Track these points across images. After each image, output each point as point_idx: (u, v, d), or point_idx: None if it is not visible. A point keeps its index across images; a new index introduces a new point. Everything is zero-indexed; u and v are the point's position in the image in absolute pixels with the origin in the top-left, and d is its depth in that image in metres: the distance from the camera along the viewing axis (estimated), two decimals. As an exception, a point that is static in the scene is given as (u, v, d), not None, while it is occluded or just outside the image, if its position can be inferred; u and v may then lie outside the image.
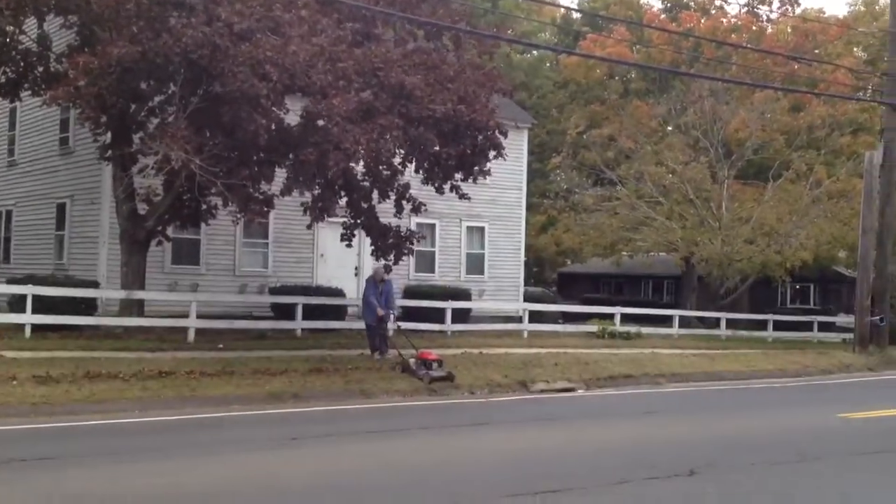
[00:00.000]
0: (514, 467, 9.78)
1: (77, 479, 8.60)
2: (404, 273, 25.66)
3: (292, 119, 17.17)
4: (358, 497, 8.19)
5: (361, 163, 17.36)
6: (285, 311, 22.10)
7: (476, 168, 18.51)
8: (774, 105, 34.35)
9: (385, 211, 19.38)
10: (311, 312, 21.90)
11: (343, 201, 18.60)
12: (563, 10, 49.02)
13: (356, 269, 25.58)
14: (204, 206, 18.98)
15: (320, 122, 16.20)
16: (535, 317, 27.00)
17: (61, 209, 24.17)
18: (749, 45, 35.82)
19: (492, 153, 18.31)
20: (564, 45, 46.14)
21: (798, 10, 40.75)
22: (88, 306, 20.14)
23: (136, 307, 19.69)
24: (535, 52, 49.61)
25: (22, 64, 18.92)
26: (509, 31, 41.91)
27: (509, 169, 27.11)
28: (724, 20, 39.77)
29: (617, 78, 44.62)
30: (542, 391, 17.22)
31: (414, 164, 18.50)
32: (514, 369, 18.19)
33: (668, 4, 44.80)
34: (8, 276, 23.55)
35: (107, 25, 16.92)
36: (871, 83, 36.05)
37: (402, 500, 8.11)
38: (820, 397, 18.59)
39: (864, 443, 12.30)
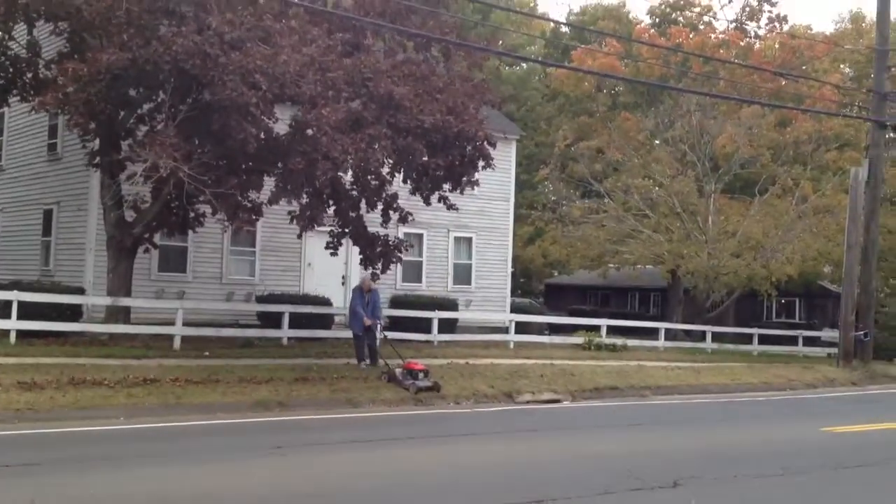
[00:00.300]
0: (498, 477, 9.83)
1: (61, 486, 8.58)
2: (391, 283, 25.68)
3: (281, 128, 17.20)
4: (341, 502, 8.22)
5: (350, 172, 17.41)
6: (272, 320, 22.07)
7: (464, 179, 18.56)
8: (761, 120, 34.58)
9: (372, 220, 19.42)
10: (297, 321, 21.88)
11: (331, 210, 18.62)
12: (552, 23, 49.32)
13: (343, 278, 25.59)
14: (192, 214, 18.98)
15: (309, 132, 16.24)
16: (522, 328, 27.04)
17: (48, 215, 24.09)
18: (737, 61, 36.07)
19: (480, 164, 18.39)
20: (553, 58, 46.35)
21: (786, 27, 41.08)
22: (74, 313, 20.08)
23: (123, 314, 19.62)
24: (524, 64, 49.83)
25: (11, 70, 18.89)
26: (499, 44, 42.10)
27: (497, 180, 27.21)
28: (713, 35, 40.05)
29: (605, 91, 44.83)
30: (528, 402, 17.27)
31: (402, 174, 18.55)
32: (500, 380, 18.23)
33: (657, 20, 45.06)
34: (-7, 281, 23.45)
35: (97, 32, 16.91)
36: (857, 100, 36.36)
37: (387, 509, 8.15)
38: (804, 411, 18.70)
39: (846, 456, 12.39)
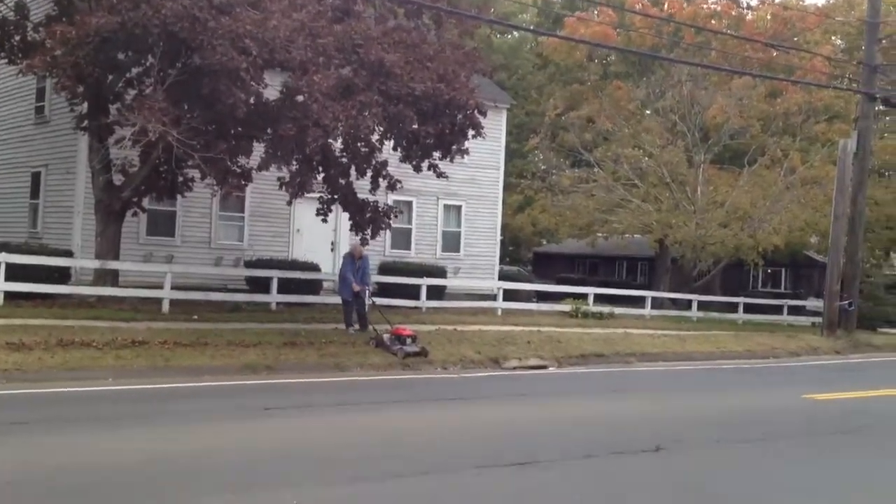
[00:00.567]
0: (484, 440, 9.98)
1: (50, 445, 8.68)
2: (380, 249, 25.78)
3: (271, 94, 17.17)
4: (329, 464, 8.34)
5: (340, 139, 17.40)
6: (260, 285, 22.14)
7: (454, 147, 18.57)
8: (752, 91, 34.55)
9: (362, 188, 19.43)
10: (286, 286, 21.97)
11: (320, 177, 18.63)
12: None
13: (332, 244, 25.66)
14: (181, 179, 18.98)
15: (300, 98, 16.20)
16: (510, 295, 27.22)
17: (36, 178, 24.02)
18: (728, 32, 35.97)
19: (470, 132, 18.39)
20: (545, 27, 46.12)
21: (777, -2, 40.94)
22: (62, 275, 20.11)
23: (111, 277, 19.66)
24: (515, 33, 49.60)
25: (-1, 32, 18.78)
26: (491, 12, 41.84)
27: (488, 149, 27.23)
28: (705, 6, 39.87)
29: (597, 60, 44.70)
30: (515, 368, 17.43)
31: (392, 141, 18.56)
32: (487, 346, 18.39)
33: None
34: (-19, 244, 23.42)
35: (85, -6, 16.81)
36: (847, 72, 36.37)
37: (373, 465, 8.27)
38: (787, 379, 18.93)
39: (826, 423, 12.61)
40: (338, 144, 17.95)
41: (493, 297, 26.57)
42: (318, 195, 19.33)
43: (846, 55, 38.85)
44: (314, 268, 23.66)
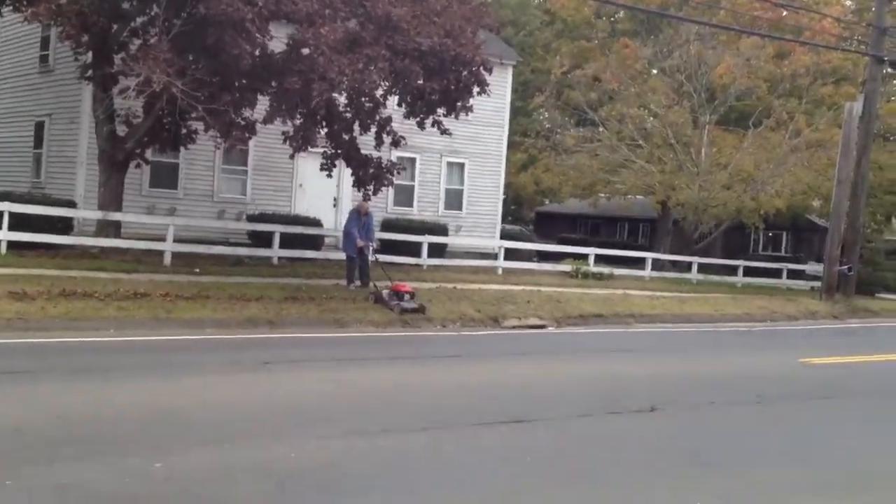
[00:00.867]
0: (483, 398, 10.09)
1: (51, 394, 8.80)
2: (382, 206, 25.79)
3: (277, 46, 17.07)
4: (326, 418, 8.45)
5: (344, 94, 17.33)
6: (262, 239, 22.21)
7: (459, 104, 18.48)
8: (760, 52, 34.24)
9: (365, 144, 19.38)
10: (288, 241, 22.02)
11: (324, 132, 18.59)
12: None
13: (335, 199, 25.67)
14: (184, 131, 18.95)
15: (305, 51, 16.11)
16: (511, 254, 27.26)
17: (40, 127, 23.99)
18: (738, -10, 35.58)
19: (476, 89, 18.30)
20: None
21: (789, -43, 40.41)
22: (65, 226, 20.16)
23: (113, 228, 19.72)
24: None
25: (2, -21, 18.64)
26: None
27: (492, 106, 27.11)
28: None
29: (605, 17, 44.29)
30: (514, 327, 17.53)
31: (397, 97, 18.49)
32: (487, 305, 18.48)
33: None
34: (-16, 192, 23.46)
35: (90, -58, 16.64)
36: (856, 33, 36.05)
37: (372, 420, 8.38)
38: (784, 342, 19.05)
39: (821, 387, 12.73)
40: (342, 99, 17.88)
41: (494, 256, 26.64)
42: (321, 150, 19.30)
43: (856, 17, 38.45)
44: (316, 223, 23.70)
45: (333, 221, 24.89)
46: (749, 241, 41.02)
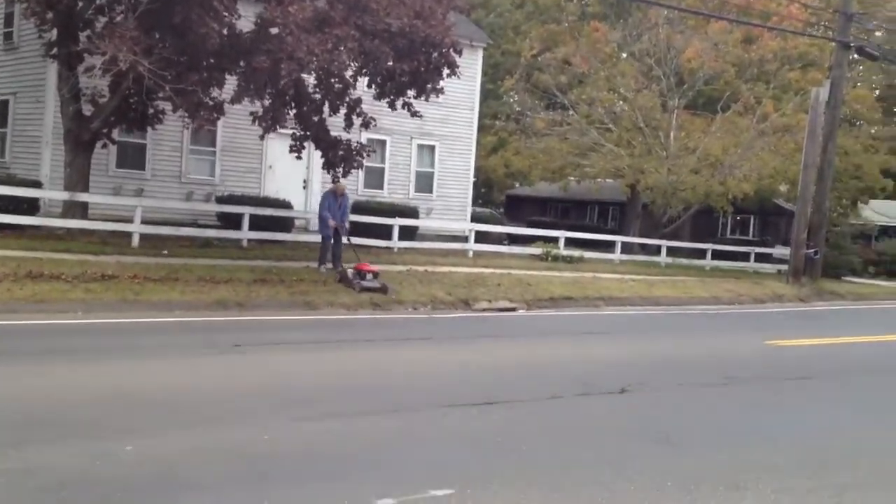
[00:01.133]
0: (453, 380, 10.11)
1: (18, 376, 8.69)
2: (353, 188, 25.62)
3: (245, 25, 16.90)
4: (298, 401, 8.42)
5: (313, 75, 17.20)
6: (232, 221, 22.04)
7: (429, 86, 18.45)
8: (728, 36, 34.45)
9: (335, 125, 19.30)
10: (257, 223, 21.88)
11: (293, 113, 18.46)
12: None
13: (305, 181, 25.53)
14: (151, 110, 18.75)
15: (274, 30, 15.97)
16: (482, 237, 27.32)
17: (4, 106, 23.61)
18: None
19: (446, 71, 18.27)
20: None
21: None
22: (31, 206, 19.91)
23: (80, 209, 19.48)
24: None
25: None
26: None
27: (463, 88, 27.06)
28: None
29: (574, 1, 44.30)
30: (485, 310, 17.58)
31: (367, 78, 18.38)
32: (457, 287, 18.50)
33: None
34: (-53, 172, 23.06)
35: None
36: (823, 19, 36.33)
37: (342, 403, 8.36)
38: (750, 325, 19.24)
39: (786, 369, 12.87)
40: (311, 80, 17.75)
41: (465, 239, 26.66)
42: (290, 131, 19.17)
43: (823, 3, 38.74)
44: (286, 205, 23.56)
45: (303, 203, 24.76)
46: (717, 225, 41.38)
